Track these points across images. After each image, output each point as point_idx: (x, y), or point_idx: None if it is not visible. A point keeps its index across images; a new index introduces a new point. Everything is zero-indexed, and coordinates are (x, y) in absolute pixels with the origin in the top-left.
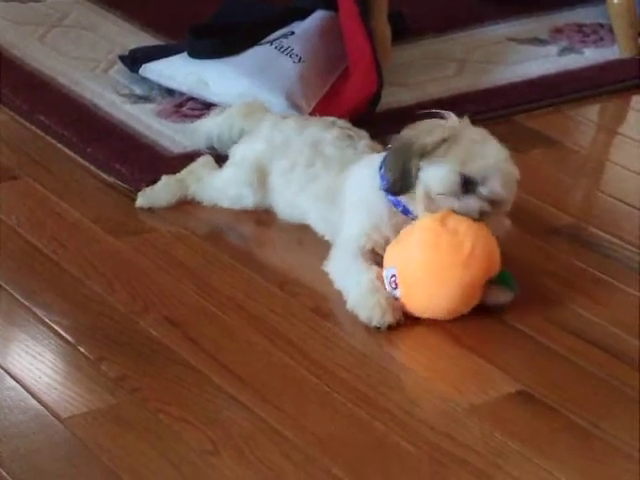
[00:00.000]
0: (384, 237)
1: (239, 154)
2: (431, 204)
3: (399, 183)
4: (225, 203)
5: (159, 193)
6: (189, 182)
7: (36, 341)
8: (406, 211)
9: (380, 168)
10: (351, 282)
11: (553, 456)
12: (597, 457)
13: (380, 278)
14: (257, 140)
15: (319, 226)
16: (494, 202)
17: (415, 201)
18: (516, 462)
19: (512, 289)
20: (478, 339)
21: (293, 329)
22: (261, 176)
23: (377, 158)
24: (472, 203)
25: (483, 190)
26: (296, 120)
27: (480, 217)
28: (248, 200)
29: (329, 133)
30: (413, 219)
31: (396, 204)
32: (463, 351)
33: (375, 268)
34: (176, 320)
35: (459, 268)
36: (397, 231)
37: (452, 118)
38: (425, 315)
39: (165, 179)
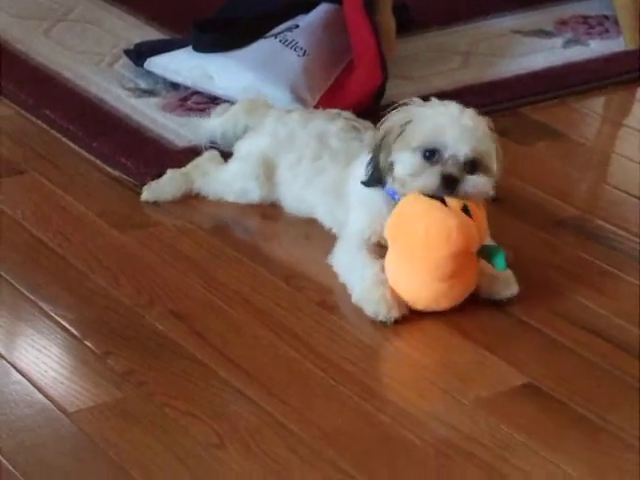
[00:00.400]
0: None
1: (244, 149)
2: (404, 188)
3: (372, 176)
4: (231, 197)
5: (164, 187)
6: (194, 176)
7: (42, 335)
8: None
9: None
10: (355, 276)
11: (560, 448)
12: (604, 449)
13: (384, 271)
14: (262, 135)
15: (326, 220)
16: (471, 164)
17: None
18: (523, 455)
19: (498, 264)
20: (484, 332)
21: (299, 323)
22: (267, 170)
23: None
24: (428, 178)
25: (445, 155)
26: (300, 113)
27: (449, 186)
28: (254, 194)
29: (334, 125)
30: None
31: (392, 195)
32: (469, 344)
33: (380, 261)
34: (182, 314)
35: (420, 252)
36: None
37: (417, 101)
38: (418, 306)
39: (170, 173)
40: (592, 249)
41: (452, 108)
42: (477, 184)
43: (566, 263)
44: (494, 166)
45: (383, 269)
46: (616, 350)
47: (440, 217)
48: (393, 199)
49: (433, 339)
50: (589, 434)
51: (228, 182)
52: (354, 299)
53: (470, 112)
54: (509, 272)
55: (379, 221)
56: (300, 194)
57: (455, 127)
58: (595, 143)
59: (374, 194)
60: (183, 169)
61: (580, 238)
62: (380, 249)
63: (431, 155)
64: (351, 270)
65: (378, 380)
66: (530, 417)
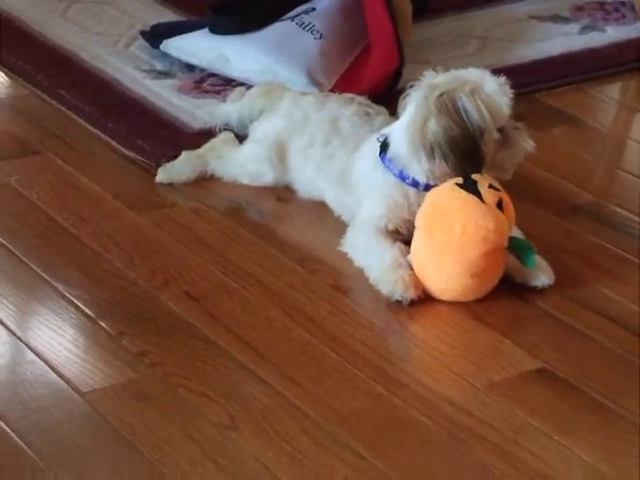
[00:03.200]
0: (401, 218)
1: (259, 131)
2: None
3: (471, 163)
4: (245, 180)
5: (179, 168)
6: (209, 158)
7: (56, 315)
8: (415, 183)
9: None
10: (374, 259)
11: (573, 433)
12: (617, 434)
13: (404, 255)
14: (277, 117)
15: (335, 206)
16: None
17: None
18: (535, 439)
19: (529, 263)
20: (499, 317)
21: (313, 305)
22: (281, 153)
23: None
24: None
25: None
26: (315, 97)
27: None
28: (268, 177)
29: (347, 109)
30: (424, 190)
31: (403, 178)
32: (484, 328)
33: (398, 245)
34: (196, 295)
35: (454, 249)
36: (412, 210)
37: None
38: (444, 297)
39: (185, 155)
40: (607, 235)
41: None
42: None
43: (581, 249)
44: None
45: (402, 253)
46: (630, 336)
47: (477, 215)
48: (404, 181)
49: (447, 323)
50: (603, 419)
51: (242, 164)
52: (371, 280)
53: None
54: (543, 261)
55: (395, 210)
56: (311, 178)
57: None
58: (611, 129)
59: (388, 182)
60: (198, 151)
61: (595, 224)
62: (395, 235)
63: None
64: (368, 254)
65: (392, 363)
66: (543, 401)
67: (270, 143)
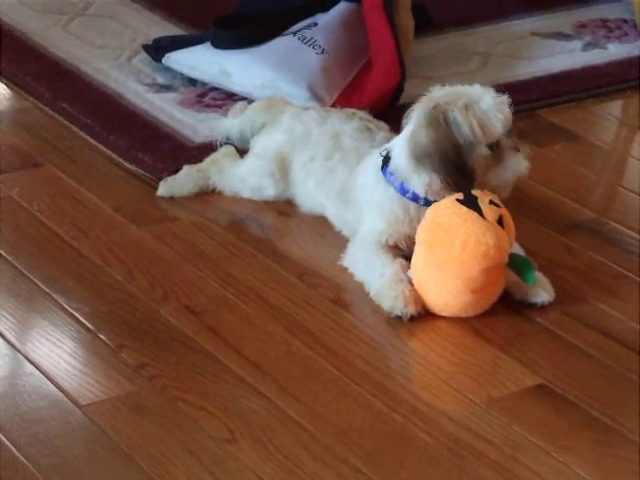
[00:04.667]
0: (402, 233)
1: (260, 145)
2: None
3: (459, 179)
4: (246, 193)
5: (181, 182)
6: (210, 172)
7: (56, 327)
8: (415, 197)
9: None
10: (374, 273)
11: (571, 449)
12: (615, 451)
13: (404, 270)
14: (278, 131)
15: (335, 222)
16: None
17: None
18: (534, 455)
19: (528, 280)
20: (498, 333)
21: (312, 320)
22: (282, 167)
23: (378, 153)
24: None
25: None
26: (317, 111)
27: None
28: (269, 191)
29: (349, 125)
30: (424, 205)
31: (404, 192)
32: (483, 344)
33: (399, 260)
34: (196, 309)
35: (455, 265)
36: (413, 225)
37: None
38: (444, 313)
39: (187, 169)
40: (607, 252)
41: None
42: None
43: (581, 265)
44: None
45: (403, 268)
46: (629, 353)
47: (477, 232)
48: (404, 195)
49: (447, 339)
50: (601, 436)
51: (243, 178)
52: (372, 294)
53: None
54: (544, 277)
55: (396, 225)
56: (312, 193)
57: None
58: (612, 146)
59: (389, 196)
60: (199, 165)
61: (595, 241)
62: (395, 250)
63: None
64: (369, 268)
65: (391, 378)
66: (542, 418)
67: (271, 157)
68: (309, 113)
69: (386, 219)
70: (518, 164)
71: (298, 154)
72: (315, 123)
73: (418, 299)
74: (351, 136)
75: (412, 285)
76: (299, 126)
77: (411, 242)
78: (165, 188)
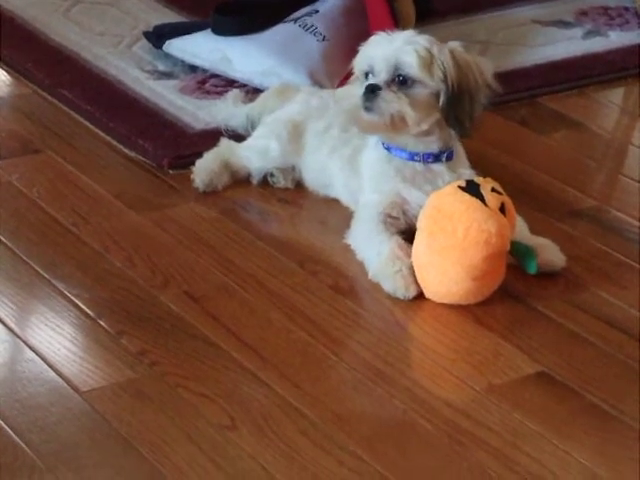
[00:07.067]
0: (398, 196)
1: (271, 117)
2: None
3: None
4: (254, 159)
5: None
6: (225, 152)
7: (56, 314)
8: (399, 152)
9: None
10: (372, 252)
11: (571, 437)
12: (615, 438)
13: (402, 247)
14: (292, 103)
15: (342, 193)
16: (402, 79)
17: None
18: (534, 442)
19: (530, 268)
20: (499, 320)
21: (313, 307)
22: (294, 132)
23: None
24: (355, 90)
25: (374, 74)
26: (332, 91)
27: (369, 96)
28: (275, 152)
29: None
30: (409, 159)
31: (390, 149)
32: (484, 331)
33: (396, 237)
34: (196, 295)
35: (456, 252)
36: (406, 186)
37: None
38: (444, 301)
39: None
40: (608, 240)
41: (390, 35)
42: (391, 100)
43: (582, 254)
44: (427, 77)
45: (400, 245)
46: (630, 340)
47: (480, 219)
48: (392, 153)
49: (447, 326)
50: (602, 423)
51: (250, 144)
52: (370, 275)
53: (408, 33)
54: (553, 245)
55: (387, 187)
56: (323, 163)
57: (380, 49)
58: (613, 134)
59: (380, 157)
60: (215, 150)
61: (596, 229)
62: (395, 220)
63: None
64: (367, 246)
65: (391, 365)
66: (542, 405)
67: (284, 122)
68: (326, 90)
69: (379, 184)
70: None
71: (313, 123)
72: (332, 99)
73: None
74: None
75: (410, 262)
76: (316, 99)
77: (406, 211)
78: (204, 184)
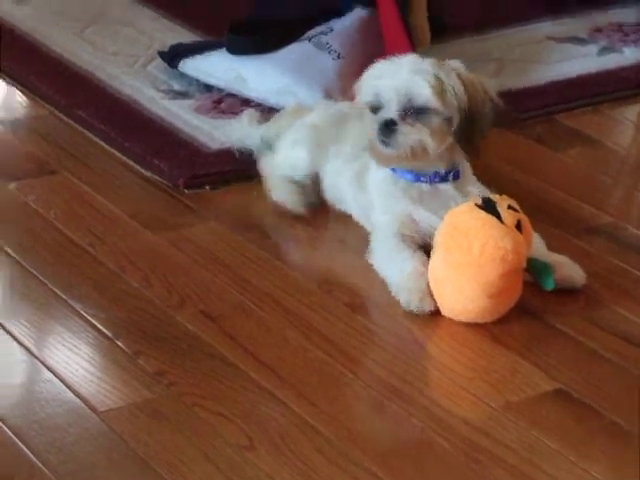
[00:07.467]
0: (409, 217)
1: (293, 129)
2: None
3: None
4: (283, 166)
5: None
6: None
7: (73, 334)
8: (405, 174)
9: None
10: (395, 269)
11: (589, 455)
12: (634, 457)
13: (425, 264)
14: (312, 114)
15: (354, 208)
16: (416, 111)
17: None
18: (552, 460)
19: (547, 284)
20: (517, 338)
21: (330, 326)
22: (317, 137)
23: None
24: (370, 125)
25: (385, 106)
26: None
27: (387, 131)
28: (303, 161)
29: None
30: (415, 181)
31: (395, 170)
32: (501, 349)
33: (419, 254)
34: (213, 315)
35: (472, 269)
36: (416, 207)
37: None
38: (461, 318)
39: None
40: (625, 257)
41: (396, 61)
42: (410, 134)
43: (599, 270)
44: (441, 104)
45: (423, 262)
46: None
47: (496, 236)
48: (399, 175)
49: (464, 344)
50: (619, 441)
51: (280, 154)
52: (392, 290)
53: (413, 59)
54: (571, 262)
55: (397, 207)
56: (337, 173)
57: (389, 75)
58: (628, 150)
59: (390, 184)
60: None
61: (613, 245)
62: (412, 237)
63: (375, 112)
64: (390, 264)
65: (409, 384)
66: (560, 423)
67: (306, 129)
68: (342, 102)
69: (388, 205)
70: None
71: (331, 130)
72: (348, 109)
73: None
74: None
75: None
76: (333, 108)
77: (417, 230)
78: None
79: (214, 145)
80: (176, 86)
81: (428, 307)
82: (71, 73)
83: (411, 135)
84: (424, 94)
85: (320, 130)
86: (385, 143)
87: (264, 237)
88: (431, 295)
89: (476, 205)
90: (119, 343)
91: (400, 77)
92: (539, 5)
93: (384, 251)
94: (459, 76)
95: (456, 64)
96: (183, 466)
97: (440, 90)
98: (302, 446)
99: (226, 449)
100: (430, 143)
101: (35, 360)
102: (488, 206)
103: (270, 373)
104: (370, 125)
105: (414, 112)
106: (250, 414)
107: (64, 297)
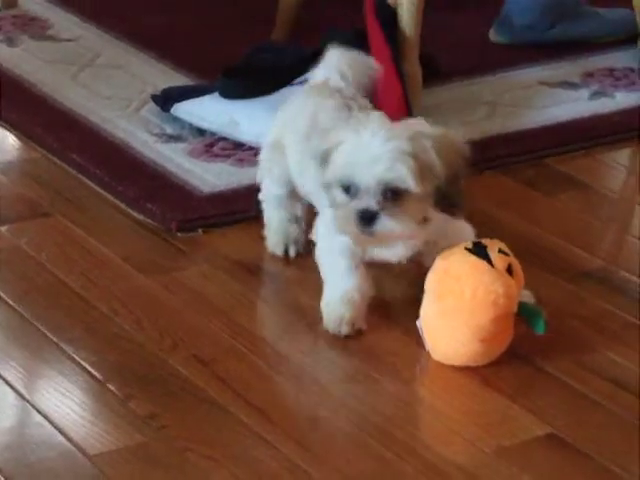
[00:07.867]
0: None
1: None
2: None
3: None
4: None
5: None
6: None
7: (64, 377)
8: None
9: None
10: (332, 280)
11: None
12: None
13: (361, 289)
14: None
15: (313, 196)
16: (393, 192)
17: None
18: None
19: (537, 328)
20: (508, 382)
21: (321, 369)
22: (279, 148)
23: None
24: (344, 216)
25: (360, 188)
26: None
27: (366, 223)
28: (274, 171)
29: (329, 101)
30: None
31: None
32: (493, 393)
33: (359, 272)
34: (205, 359)
35: (464, 314)
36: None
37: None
38: (453, 362)
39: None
40: (617, 301)
41: (365, 133)
42: (391, 225)
43: (591, 314)
44: (421, 188)
45: (362, 280)
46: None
47: (487, 281)
48: None
49: (456, 388)
50: None
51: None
52: (322, 304)
53: (384, 133)
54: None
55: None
56: (302, 171)
57: (363, 155)
58: (620, 195)
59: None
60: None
61: (604, 289)
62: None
63: (348, 191)
64: (330, 270)
65: (401, 428)
66: (552, 468)
67: (269, 145)
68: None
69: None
70: None
71: (288, 136)
72: (301, 102)
73: (359, 318)
74: (327, 114)
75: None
76: (289, 108)
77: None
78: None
79: (206, 188)
80: (169, 130)
81: (345, 331)
82: (64, 116)
83: (393, 226)
84: (406, 181)
85: (278, 139)
86: (365, 232)
87: (257, 280)
88: (352, 320)
89: (466, 249)
90: (110, 386)
91: (378, 163)
92: (530, 50)
93: (327, 249)
94: (434, 143)
95: (426, 128)
96: None
97: (420, 171)
98: None
99: None
100: (412, 226)
101: (26, 403)
102: (478, 250)
103: (261, 417)
104: (344, 212)
105: (392, 195)
106: (241, 458)
107: (55, 340)
